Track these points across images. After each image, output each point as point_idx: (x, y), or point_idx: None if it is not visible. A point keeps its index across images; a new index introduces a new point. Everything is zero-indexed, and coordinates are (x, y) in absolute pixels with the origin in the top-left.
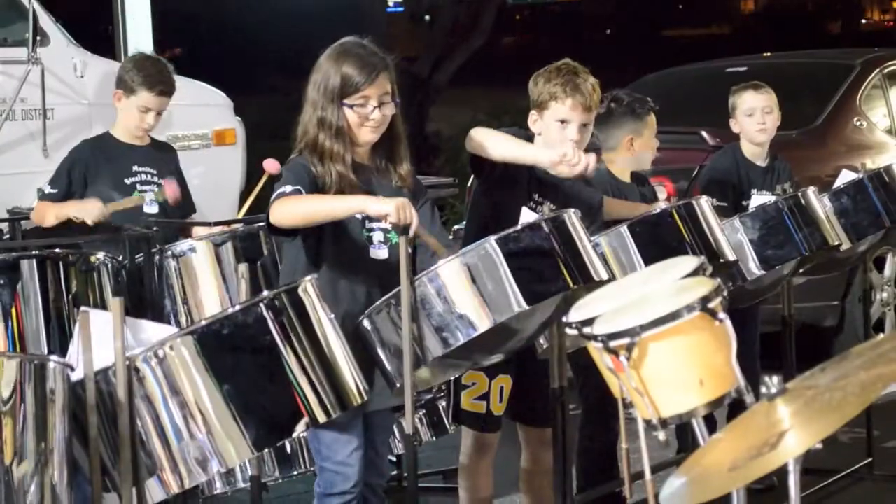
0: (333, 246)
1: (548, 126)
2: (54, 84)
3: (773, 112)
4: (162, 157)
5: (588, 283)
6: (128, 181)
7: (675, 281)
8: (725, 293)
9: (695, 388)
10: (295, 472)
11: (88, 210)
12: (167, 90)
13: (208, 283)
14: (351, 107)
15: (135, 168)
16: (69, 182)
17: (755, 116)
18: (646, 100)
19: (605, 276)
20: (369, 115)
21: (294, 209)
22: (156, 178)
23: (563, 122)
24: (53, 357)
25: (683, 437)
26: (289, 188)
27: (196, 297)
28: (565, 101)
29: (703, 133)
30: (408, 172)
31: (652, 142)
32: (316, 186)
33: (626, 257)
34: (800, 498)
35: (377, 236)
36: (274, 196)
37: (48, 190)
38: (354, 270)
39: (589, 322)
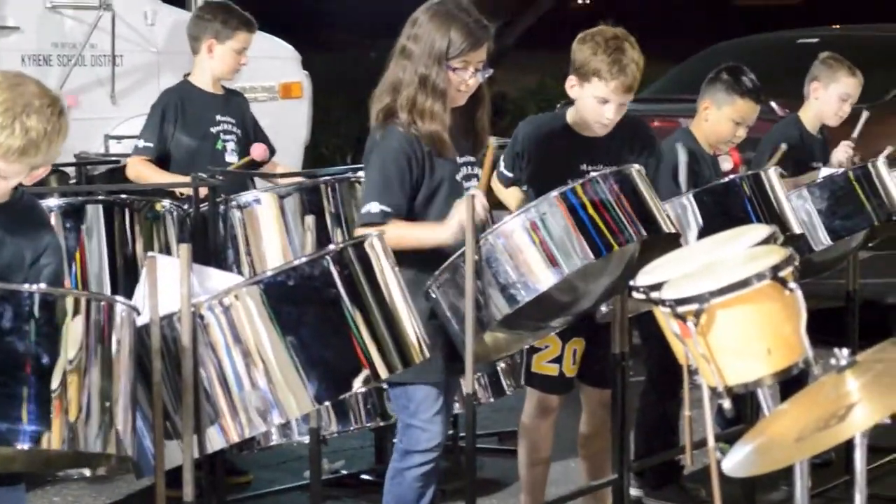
0: (431, 211)
1: (585, 99)
2: (124, 31)
3: None
4: (237, 105)
5: (656, 234)
6: (213, 130)
7: (745, 248)
8: (797, 262)
9: (762, 357)
10: (352, 427)
11: None
12: (256, 27)
13: (272, 234)
14: (453, 70)
15: (218, 117)
16: (162, 133)
17: (846, 103)
18: (744, 84)
19: (673, 229)
20: (467, 80)
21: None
22: (235, 128)
23: (602, 100)
24: (120, 298)
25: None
26: (375, 207)
27: (259, 249)
28: (609, 83)
29: (773, 104)
30: (485, 134)
31: (727, 127)
32: (409, 172)
33: (683, 228)
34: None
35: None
36: (363, 211)
37: (142, 143)
38: None
39: (657, 286)
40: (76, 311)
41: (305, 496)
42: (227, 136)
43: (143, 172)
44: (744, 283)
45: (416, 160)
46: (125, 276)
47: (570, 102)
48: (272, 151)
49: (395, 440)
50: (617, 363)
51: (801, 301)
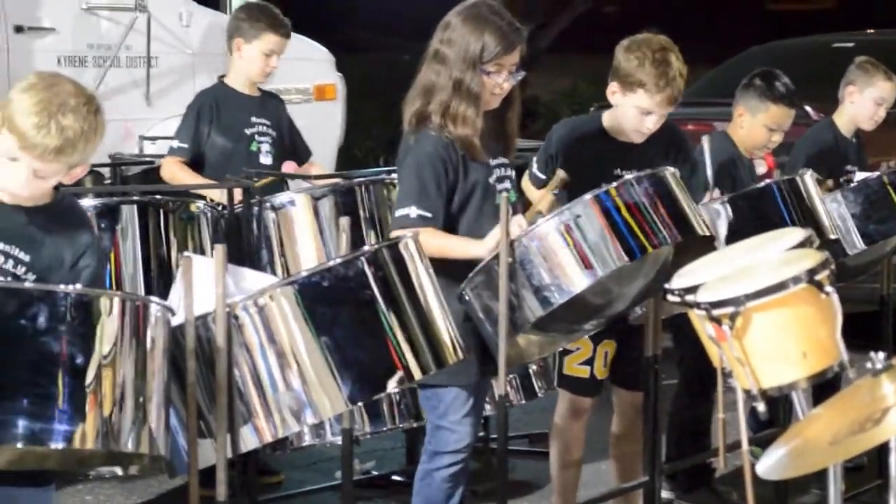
0: (466, 214)
1: (627, 108)
2: (160, 33)
3: None
4: (273, 107)
5: (690, 237)
6: (247, 131)
7: (781, 252)
8: (833, 266)
9: (797, 360)
10: (385, 428)
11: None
12: (288, 32)
13: (306, 236)
14: (487, 73)
15: (253, 119)
16: (197, 135)
17: (882, 107)
18: (777, 90)
19: (708, 232)
20: (501, 83)
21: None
22: (270, 130)
23: (646, 112)
24: (154, 299)
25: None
26: (413, 211)
27: (293, 250)
28: (655, 96)
29: (808, 108)
30: (514, 136)
31: (762, 133)
32: (444, 177)
33: (718, 232)
34: None
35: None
36: (398, 215)
37: (177, 144)
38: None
39: (692, 289)
40: (111, 312)
41: (336, 496)
42: (262, 138)
43: (177, 174)
44: (780, 287)
45: (451, 164)
46: (159, 277)
47: (604, 106)
48: (308, 153)
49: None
50: (650, 366)
51: (837, 305)
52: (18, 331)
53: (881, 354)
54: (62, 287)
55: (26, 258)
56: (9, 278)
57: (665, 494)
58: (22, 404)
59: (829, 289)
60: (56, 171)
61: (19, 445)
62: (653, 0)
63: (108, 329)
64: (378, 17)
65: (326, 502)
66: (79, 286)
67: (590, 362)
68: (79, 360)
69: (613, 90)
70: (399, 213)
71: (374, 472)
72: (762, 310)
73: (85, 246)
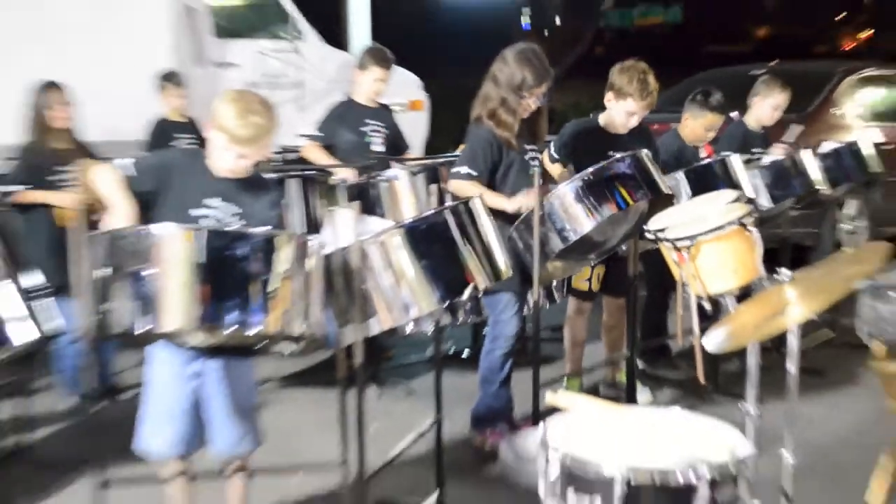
0: (508, 180)
1: (618, 111)
2: (307, 66)
3: None
4: (384, 114)
5: (658, 196)
6: (363, 129)
7: (721, 205)
8: (755, 215)
9: (732, 275)
10: (458, 322)
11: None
12: (388, 64)
13: (406, 199)
14: (523, 97)
15: (367, 121)
16: (330, 130)
17: (777, 111)
18: (711, 103)
19: (670, 192)
20: (531, 104)
21: (461, 194)
22: (381, 129)
23: (632, 114)
24: (313, 236)
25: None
26: (464, 170)
27: (398, 207)
28: (639, 102)
29: (733, 115)
30: (543, 133)
31: (701, 131)
32: (490, 154)
33: (678, 194)
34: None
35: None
36: (454, 170)
37: (316, 133)
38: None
39: (662, 230)
40: (286, 245)
41: (427, 366)
42: (374, 134)
43: (315, 154)
44: (720, 228)
45: (497, 146)
46: (312, 224)
47: (599, 112)
48: (406, 146)
49: (484, 331)
50: (631, 282)
51: (758, 239)
52: (226, 258)
53: (785, 271)
54: (257, 230)
55: (240, 210)
56: (230, 224)
57: (639, 364)
58: (229, 305)
59: (752, 229)
60: (254, 153)
61: (227, 332)
62: (628, 45)
63: (285, 256)
64: (450, 53)
65: (420, 369)
66: (268, 228)
67: (589, 280)
68: (266, 276)
69: (609, 98)
70: (454, 170)
71: (452, 350)
72: (709, 242)
73: (272, 201)
